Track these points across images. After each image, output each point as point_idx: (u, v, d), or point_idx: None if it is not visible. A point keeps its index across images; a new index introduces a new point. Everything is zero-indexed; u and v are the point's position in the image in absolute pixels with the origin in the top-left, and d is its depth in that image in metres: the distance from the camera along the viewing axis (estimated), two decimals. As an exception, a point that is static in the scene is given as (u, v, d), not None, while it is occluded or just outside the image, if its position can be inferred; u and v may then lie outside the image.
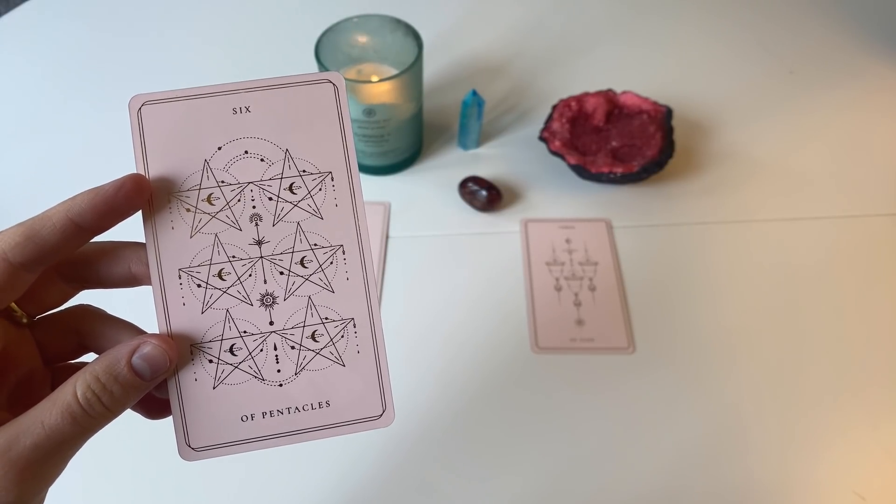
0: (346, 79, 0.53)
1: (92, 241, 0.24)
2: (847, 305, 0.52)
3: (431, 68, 0.69)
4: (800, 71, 0.70)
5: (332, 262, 0.26)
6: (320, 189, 0.26)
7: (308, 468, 0.45)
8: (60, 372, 0.26)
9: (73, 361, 0.27)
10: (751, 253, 0.56)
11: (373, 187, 0.60)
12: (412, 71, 0.53)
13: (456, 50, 0.72)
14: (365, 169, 0.61)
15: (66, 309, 0.26)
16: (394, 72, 0.57)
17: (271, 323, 0.25)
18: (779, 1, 0.78)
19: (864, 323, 0.51)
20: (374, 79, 0.56)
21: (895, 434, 0.46)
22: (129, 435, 0.39)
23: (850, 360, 0.49)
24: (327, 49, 0.55)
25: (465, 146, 0.63)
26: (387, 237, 0.56)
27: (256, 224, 0.26)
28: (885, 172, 0.61)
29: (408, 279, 0.54)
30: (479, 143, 0.63)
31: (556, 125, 0.60)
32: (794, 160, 0.62)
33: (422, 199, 0.59)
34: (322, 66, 0.53)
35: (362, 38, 0.57)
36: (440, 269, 0.55)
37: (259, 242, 0.26)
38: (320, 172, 0.26)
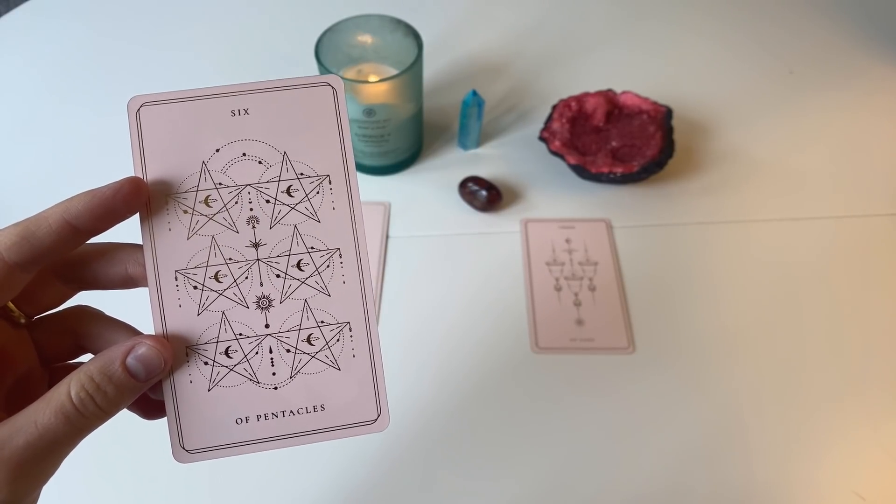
0: (345, 79, 0.53)
1: (89, 241, 0.24)
2: (847, 305, 0.52)
3: (431, 68, 0.69)
4: (800, 71, 0.70)
5: (328, 266, 0.26)
6: (318, 192, 0.26)
7: (306, 468, 0.45)
8: (58, 372, 0.26)
9: (70, 362, 0.27)
10: (751, 253, 0.55)
11: (373, 187, 0.60)
12: (412, 71, 0.53)
13: (456, 50, 0.71)
14: (365, 169, 0.61)
15: (63, 310, 0.26)
16: (394, 72, 0.57)
17: (267, 326, 0.25)
18: (779, 1, 0.78)
19: (864, 323, 0.51)
20: (374, 79, 0.56)
21: (895, 435, 0.46)
22: (124, 436, 0.39)
23: (851, 360, 0.49)
24: (327, 49, 0.55)
25: (465, 146, 0.63)
26: (387, 237, 0.56)
27: (253, 226, 0.25)
28: (884, 172, 0.61)
29: (408, 279, 0.54)
30: (479, 143, 0.63)
31: (556, 125, 0.60)
32: (793, 160, 0.62)
33: (422, 199, 0.59)
34: (322, 66, 0.53)
35: (362, 38, 0.57)
36: (440, 269, 0.55)
37: (256, 245, 0.25)
38: (318, 175, 0.26)
